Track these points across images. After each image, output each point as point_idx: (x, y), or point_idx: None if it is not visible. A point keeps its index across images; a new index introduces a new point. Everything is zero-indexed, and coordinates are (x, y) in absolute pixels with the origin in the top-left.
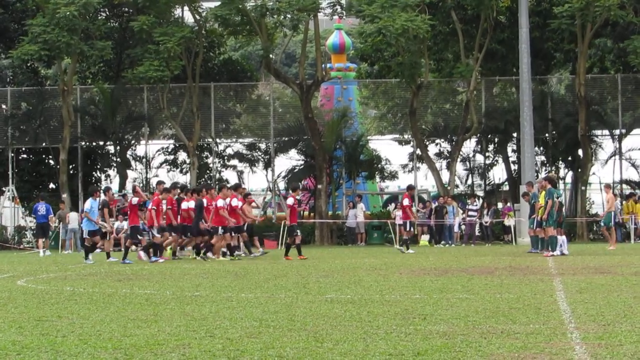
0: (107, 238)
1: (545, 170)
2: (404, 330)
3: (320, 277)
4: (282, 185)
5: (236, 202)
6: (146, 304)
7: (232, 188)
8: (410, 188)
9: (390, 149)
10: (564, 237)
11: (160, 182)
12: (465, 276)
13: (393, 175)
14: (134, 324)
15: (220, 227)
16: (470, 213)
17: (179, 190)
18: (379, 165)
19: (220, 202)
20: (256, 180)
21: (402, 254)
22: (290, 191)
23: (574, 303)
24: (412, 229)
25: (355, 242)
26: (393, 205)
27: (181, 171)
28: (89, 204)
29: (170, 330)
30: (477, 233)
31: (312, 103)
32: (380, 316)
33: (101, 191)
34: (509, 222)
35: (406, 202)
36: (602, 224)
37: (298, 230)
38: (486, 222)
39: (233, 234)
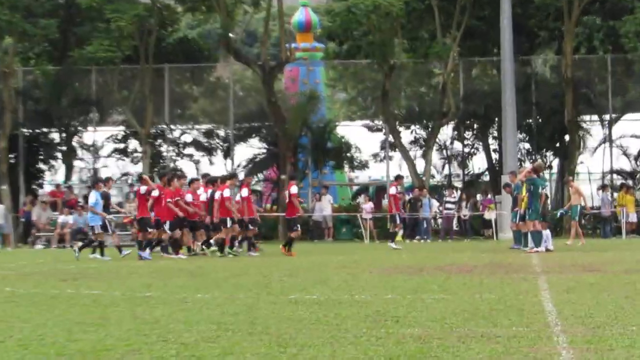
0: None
1: (530, 159)
2: (374, 334)
3: (283, 276)
4: (241, 175)
5: (228, 193)
6: (93, 306)
7: (227, 178)
8: (399, 178)
9: (360, 136)
10: (548, 231)
11: (164, 174)
12: (442, 275)
13: (363, 165)
14: (79, 327)
15: (228, 219)
16: (447, 206)
17: (185, 181)
18: (348, 154)
19: (227, 192)
20: (214, 170)
21: (392, 250)
22: (289, 179)
23: (560, 304)
24: (399, 222)
25: (322, 238)
26: (362, 197)
27: (132, 161)
28: (94, 197)
29: (119, 334)
30: (454, 227)
31: (275, 86)
32: (349, 318)
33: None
34: (489, 215)
35: (392, 190)
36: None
37: (299, 225)
38: (465, 216)
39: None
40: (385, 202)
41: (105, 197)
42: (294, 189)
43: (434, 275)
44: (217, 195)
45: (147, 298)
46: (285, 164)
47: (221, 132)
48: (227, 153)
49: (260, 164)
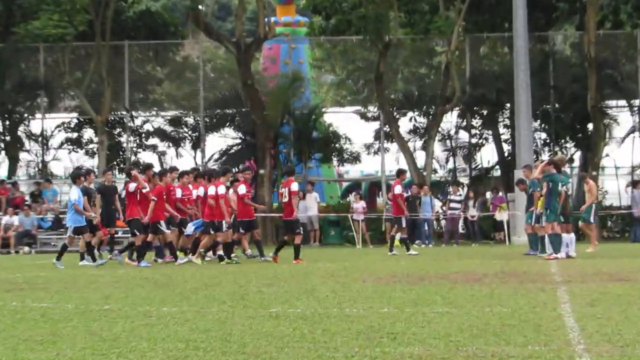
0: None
1: (548, 151)
2: (368, 353)
3: (262, 286)
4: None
5: (224, 190)
6: (42, 321)
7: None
8: (401, 173)
9: (351, 125)
10: (571, 235)
11: (148, 166)
12: (446, 284)
13: (355, 158)
14: (26, 345)
15: (224, 222)
16: (452, 205)
17: (175, 174)
18: (337, 145)
19: (222, 189)
20: (182, 164)
21: (390, 257)
22: (286, 176)
23: (583, 318)
24: (405, 225)
25: (306, 242)
26: (353, 195)
27: (87, 153)
28: (77, 193)
29: (72, 353)
30: (460, 230)
31: (252, 67)
32: (338, 335)
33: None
34: (500, 216)
35: (398, 189)
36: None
37: (301, 227)
38: (472, 217)
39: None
40: (380, 200)
41: (88, 194)
42: (295, 186)
43: (437, 285)
44: (210, 191)
45: (105, 311)
46: (264, 157)
47: (190, 120)
48: (197, 144)
49: (234, 156)
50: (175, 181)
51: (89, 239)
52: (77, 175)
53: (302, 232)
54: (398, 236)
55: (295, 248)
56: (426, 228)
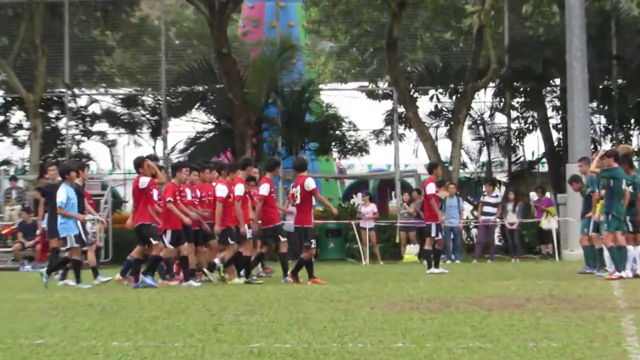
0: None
1: (612, 140)
2: None
3: (241, 314)
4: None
5: (242, 190)
6: None
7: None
8: (434, 167)
9: (356, 106)
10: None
11: (152, 157)
12: (478, 312)
13: (360, 149)
14: None
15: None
16: (486, 209)
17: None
18: (338, 132)
19: (240, 189)
20: (139, 155)
21: (428, 276)
22: (297, 172)
23: None
24: (441, 235)
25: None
26: (360, 196)
27: (15, 142)
28: (64, 194)
29: None
30: (496, 242)
31: (228, 31)
32: None
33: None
34: (548, 224)
35: (431, 188)
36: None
37: (313, 240)
38: (511, 224)
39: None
40: (394, 203)
41: (80, 193)
42: (311, 183)
43: (466, 312)
44: (221, 191)
45: (37, 347)
46: (244, 147)
47: (148, 100)
48: (157, 130)
49: (206, 146)
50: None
51: (78, 255)
52: (67, 170)
53: (314, 245)
54: (411, 249)
55: (303, 264)
56: (452, 239)
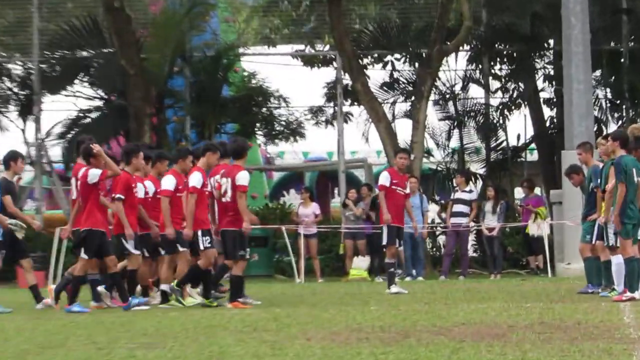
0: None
1: (620, 119)
2: None
3: (137, 347)
4: (55, 152)
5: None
6: None
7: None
8: (402, 153)
9: (288, 76)
10: None
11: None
12: (447, 344)
13: (294, 131)
14: None
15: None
16: (457, 210)
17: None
18: (264, 110)
19: (195, 180)
20: (5, 142)
21: (382, 298)
22: (234, 159)
23: None
24: (396, 243)
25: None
26: (294, 192)
27: None
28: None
29: None
30: (471, 253)
31: None
32: None
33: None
34: (537, 229)
35: (385, 179)
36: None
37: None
38: (490, 231)
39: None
40: (336, 202)
41: (11, 192)
42: (243, 178)
43: (430, 345)
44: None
45: None
46: (141, 130)
47: (16, 69)
48: (27, 109)
49: (91, 129)
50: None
51: None
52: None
53: (246, 256)
54: (358, 262)
55: (232, 282)
56: (412, 249)
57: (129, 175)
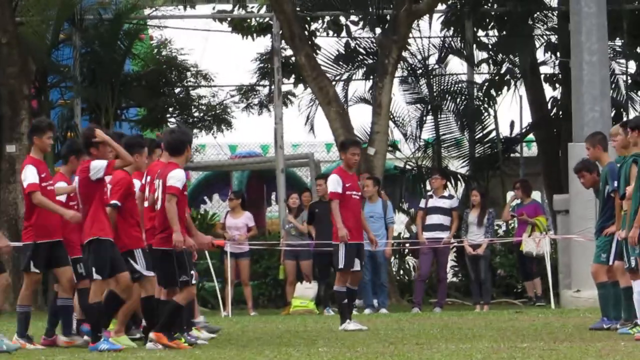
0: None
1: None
2: None
3: None
4: None
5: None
6: None
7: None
8: (352, 145)
9: (211, 46)
10: None
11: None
12: None
13: (218, 118)
14: None
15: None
16: (432, 221)
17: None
18: (179, 90)
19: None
20: None
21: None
22: (171, 154)
23: None
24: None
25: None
26: (217, 198)
27: None
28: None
29: None
30: (450, 277)
31: None
32: None
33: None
34: (533, 246)
35: (333, 184)
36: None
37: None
38: (476, 248)
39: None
40: (274, 212)
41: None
42: (177, 177)
43: None
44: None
45: None
46: (16, 114)
47: None
48: None
49: None
50: None
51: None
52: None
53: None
54: (303, 289)
55: (173, 314)
56: (372, 274)
57: (129, 176)
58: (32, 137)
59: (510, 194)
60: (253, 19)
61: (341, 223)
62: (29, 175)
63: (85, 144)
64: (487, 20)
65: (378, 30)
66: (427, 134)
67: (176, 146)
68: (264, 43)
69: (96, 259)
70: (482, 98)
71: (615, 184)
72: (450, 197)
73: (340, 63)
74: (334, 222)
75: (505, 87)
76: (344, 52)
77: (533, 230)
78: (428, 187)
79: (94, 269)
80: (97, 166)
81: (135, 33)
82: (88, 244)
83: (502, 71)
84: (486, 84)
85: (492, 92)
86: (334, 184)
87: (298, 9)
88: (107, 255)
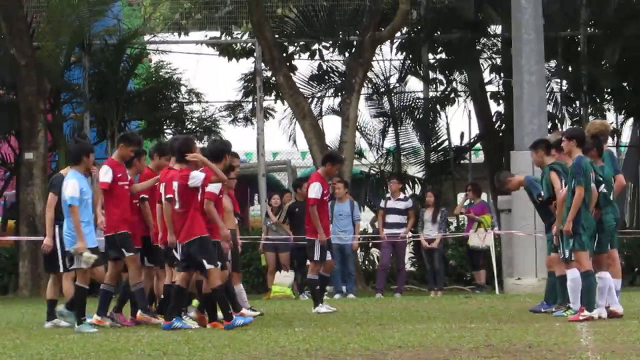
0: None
1: (573, 117)
2: None
3: None
4: None
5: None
6: None
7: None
8: (332, 160)
9: (201, 67)
10: (611, 277)
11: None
12: None
13: (208, 129)
14: None
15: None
16: (391, 219)
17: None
18: (174, 105)
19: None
20: None
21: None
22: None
23: None
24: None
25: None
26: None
27: None
28: (75, 186)
29: None
30: (408, 267)
31: None
32: None
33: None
34: (479, 240)
35: (315, 191)
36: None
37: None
38: (430, 242)
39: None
40: (256, 210)
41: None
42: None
43: None
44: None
45: None
46: (34, 127)
47: None
48: None
49: None
50: None
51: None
52: (82, 152)
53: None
54: (282, 277)
55: (208, 298)
56: (341, 264)
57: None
58: (120, 143)
59: (460, 195)
60: (238, 44)
61: (320, 228)
62: (103, 174)
63: (181, 151)
64: (441, 44)
65: (347, 54)
66: (389, 143)
67: (217, 154)
68: (247, 65)
69: (204, 253)
70: (437, 113)
71: (541, 191)
72: (406, 199)
73: (313, 82)
74: (307, 221)
75: (456, 103)
76: (316, 73)
77: (479, 227)
78: (389, 190)
79: (205, 261)
80: (196, 176)
81: (139, 57)
82: (194, 241)
83: (453, 88)
84: (433, 98)
85: (442, 107)
86: (315, 191)
87: (277, 35)
88: (210, 248)
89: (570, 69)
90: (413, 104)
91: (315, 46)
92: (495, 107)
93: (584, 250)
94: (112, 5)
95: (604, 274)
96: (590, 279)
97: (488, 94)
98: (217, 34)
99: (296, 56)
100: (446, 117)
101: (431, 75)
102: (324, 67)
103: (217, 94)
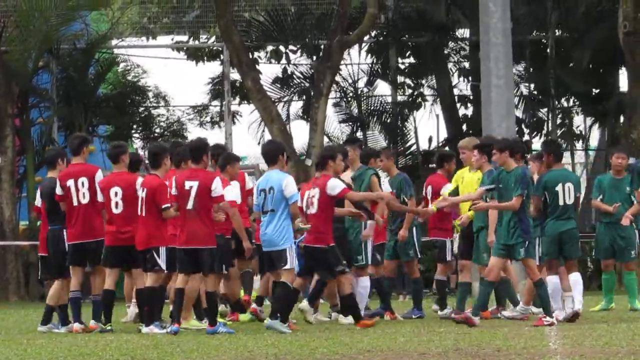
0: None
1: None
2: None
3: None
4: None
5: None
6: None
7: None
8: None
9: (168, 71)
10: (576, 275)
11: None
12: None
13: (175, 133)
14: None
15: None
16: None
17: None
18: (142, 109)
19: (231, 192)
20: None
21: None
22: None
23: None
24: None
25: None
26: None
27: None
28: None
29: None
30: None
31: None
32: None
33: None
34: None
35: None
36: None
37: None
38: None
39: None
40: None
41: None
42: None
43: None
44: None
45: None
46: (2, 131)
47: None
48: None
49: None
50: None
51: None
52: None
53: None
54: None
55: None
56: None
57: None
58: (225, 165)
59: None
60: (205, 48)
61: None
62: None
63: (225, 159)
64: (409, 48)
65: (314, 58)
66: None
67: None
68: (214, 68)
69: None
70: (405, 118)
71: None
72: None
73: (281, 86)
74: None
75: (424, 107)
76: (283, 77)
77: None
78: None
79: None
80: (337, 185)
81: (112, 62)
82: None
83: (419, 92)
84: (399, 103)
85: (410, 111)
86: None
87: (244, 39)
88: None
89: (539, 72)
90: (381, 108)
91: (282, 50)
92: (463, 111)
93: (533, 258)
94: (80, 11)
95: (553, 277)
96: (541, 284)
97: (456, 98)
98: (184, 37)
99: (262, 60)
100: (414, 120)
101: (399, 79)
102: (291, 70)
103: (185, 98)
